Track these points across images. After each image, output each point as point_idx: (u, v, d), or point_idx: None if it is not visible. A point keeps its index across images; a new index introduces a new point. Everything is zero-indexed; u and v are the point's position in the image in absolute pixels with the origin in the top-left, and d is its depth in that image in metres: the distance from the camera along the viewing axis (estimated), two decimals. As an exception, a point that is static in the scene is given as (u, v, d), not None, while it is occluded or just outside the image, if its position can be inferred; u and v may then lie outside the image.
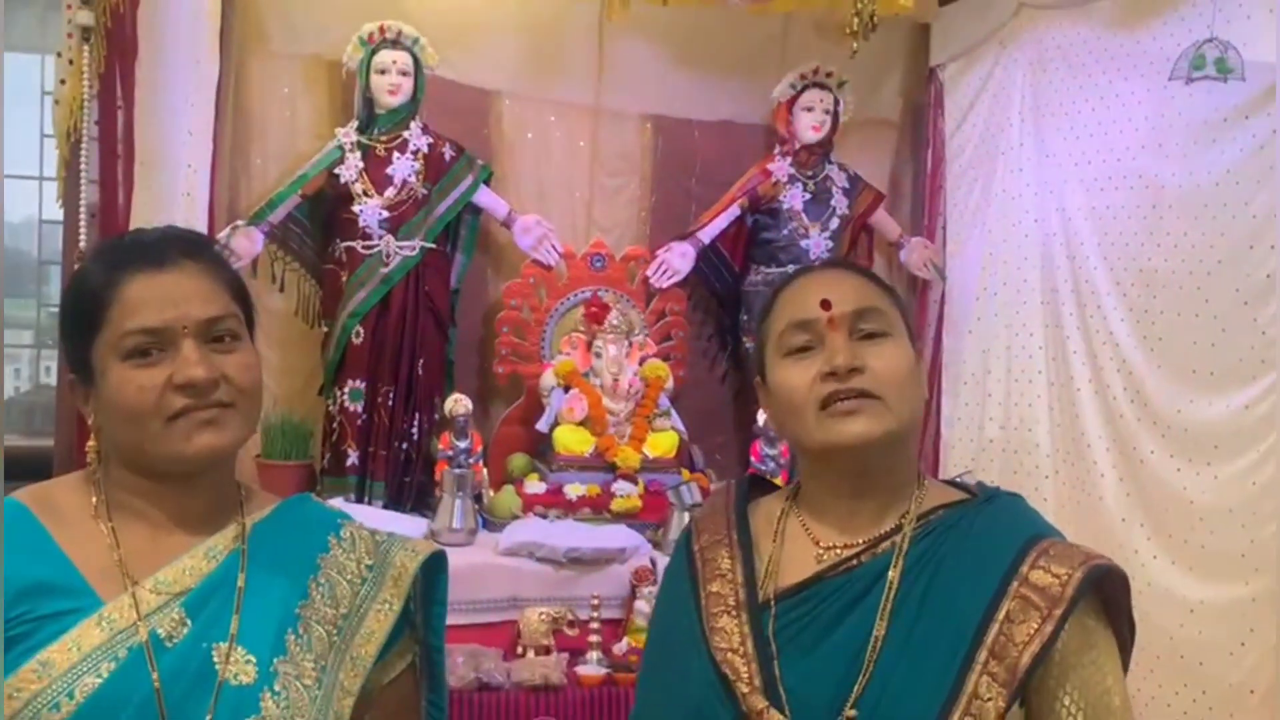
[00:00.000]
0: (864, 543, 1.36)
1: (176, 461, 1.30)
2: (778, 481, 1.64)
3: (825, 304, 1.34)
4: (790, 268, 4.36)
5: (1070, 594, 1.25)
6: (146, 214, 3.22)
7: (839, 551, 1.36)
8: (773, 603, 1.35)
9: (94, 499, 1.33)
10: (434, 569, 1.47)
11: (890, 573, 1.31)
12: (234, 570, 1.34)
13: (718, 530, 1.45)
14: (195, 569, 1.32)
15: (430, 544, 1.50)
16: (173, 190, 3.44)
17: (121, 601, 1.27)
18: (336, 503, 3.70)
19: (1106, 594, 1.30)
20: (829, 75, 4.45)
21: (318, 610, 1.35)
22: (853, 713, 1.25)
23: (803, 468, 1.44)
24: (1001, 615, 1.25)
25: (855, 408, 1.30)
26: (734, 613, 1.34)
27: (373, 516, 3.73)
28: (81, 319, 1.30)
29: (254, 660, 1.28)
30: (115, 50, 3.23)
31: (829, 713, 1.26)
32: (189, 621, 1.29)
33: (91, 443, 1.36)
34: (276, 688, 1.27)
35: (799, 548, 1.40)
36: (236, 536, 1.37)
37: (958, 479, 3.85)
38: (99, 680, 1.21)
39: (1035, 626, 1.23)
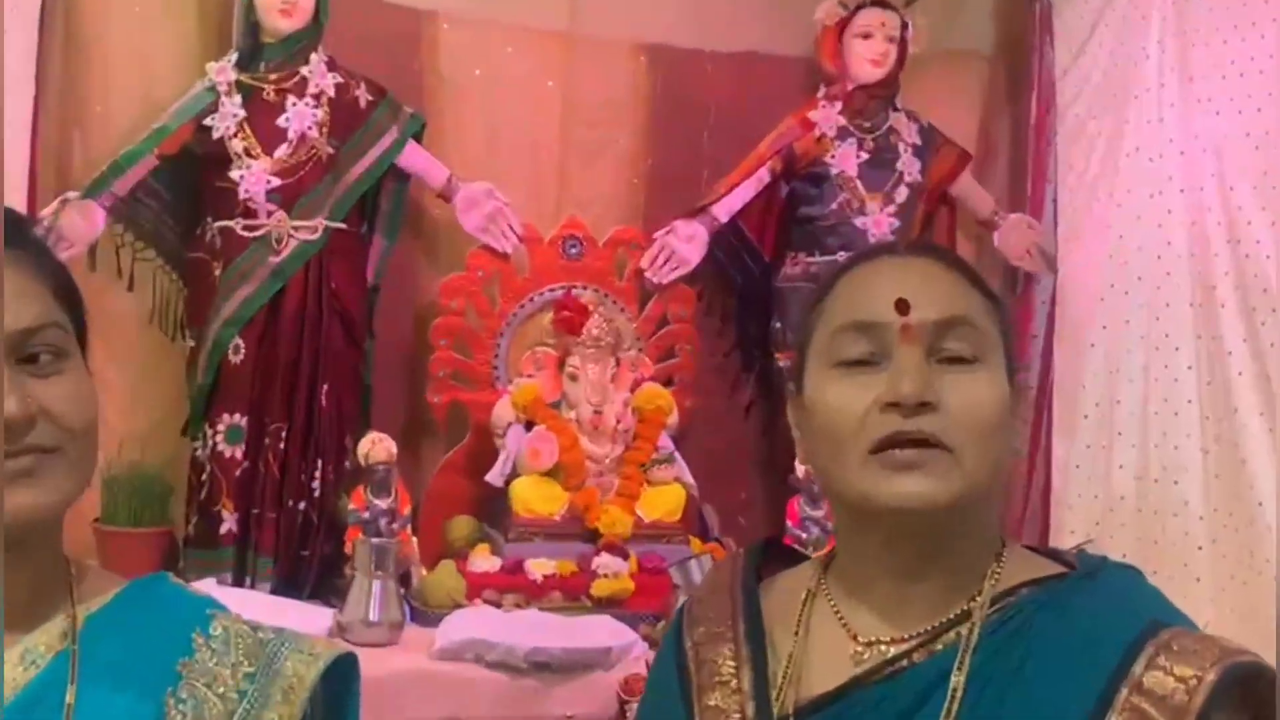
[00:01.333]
0: (918, 636, 1.35)
1: None
2: (810, 552, 1.64)
3: (902, 305, 1.32)
4: (841, 255, 4.33)
5: (1200, 705, 1.23)
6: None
7: (884, 649, 1.35)
8: None
9: None
10: (340, 679, 1.45)
11: (954, 677, 1.30)
12: (60, 680, 1.32)
13: (719, 619, 1.44)
14: (7, 679, 1.31)
15: (335, 644, 1.48)
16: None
17: None
18: (207, 585, 3.65)
19: (1251, 704, 1.27)
20: (894, -11, 4.48)
21: (180, 737, 1.34)
22: None
23: (840, 528, 1.44)
24: None
25: (916, 460, 1.29)
26: None
27: (257, 605, 3.68)
28: None
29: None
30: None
31: None
32: (-4, 757, 1.28)
33: None
34: None
35: (830, 643, 1.39)
36: (64, 634, 1.35)
37: (1073, 551, 3.85)
38: None
39: None
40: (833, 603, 1.41)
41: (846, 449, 1.32)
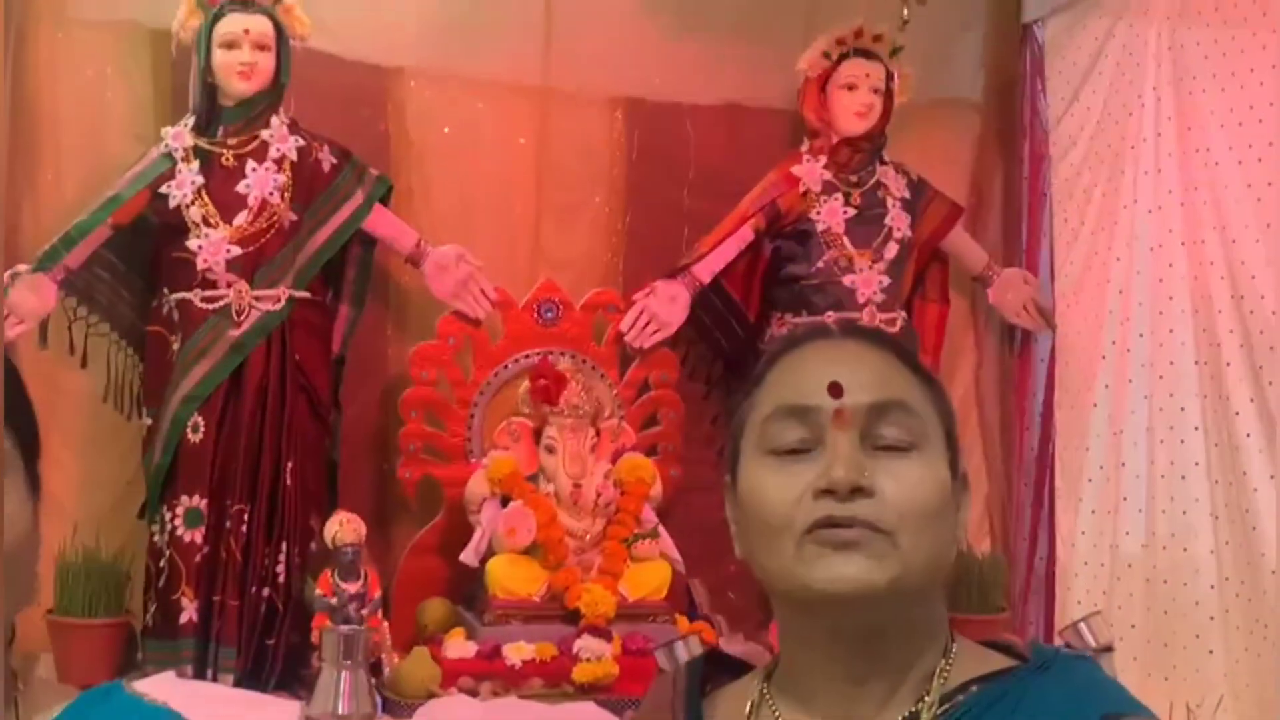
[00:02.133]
0: None
1: None
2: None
3: (835, 388, 1.31)
4: (830, 316, 4.35)
5: None
6: None
7: None
8: None
9: None
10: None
11: None
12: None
13: None
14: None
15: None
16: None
17: None
18: (167, 678, 3.68)
19: None
20: (878, 39, 4.45)
21: None
22: None
23: (781, 630, 1.41)
24: None
25: (852, 539, 1.27)
26: None
27: (220, 698, 3.69)
28: None
29: None
30: None
31: None
32: None
33: None
34: None
35: None
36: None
37: (1080, 623, 3.77)
38: None
39: None
40: (776, 712, 1.38)
41: (780, 536, 1.29)
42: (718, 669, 1.50)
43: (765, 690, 1.40)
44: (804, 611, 1.32)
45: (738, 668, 1.50)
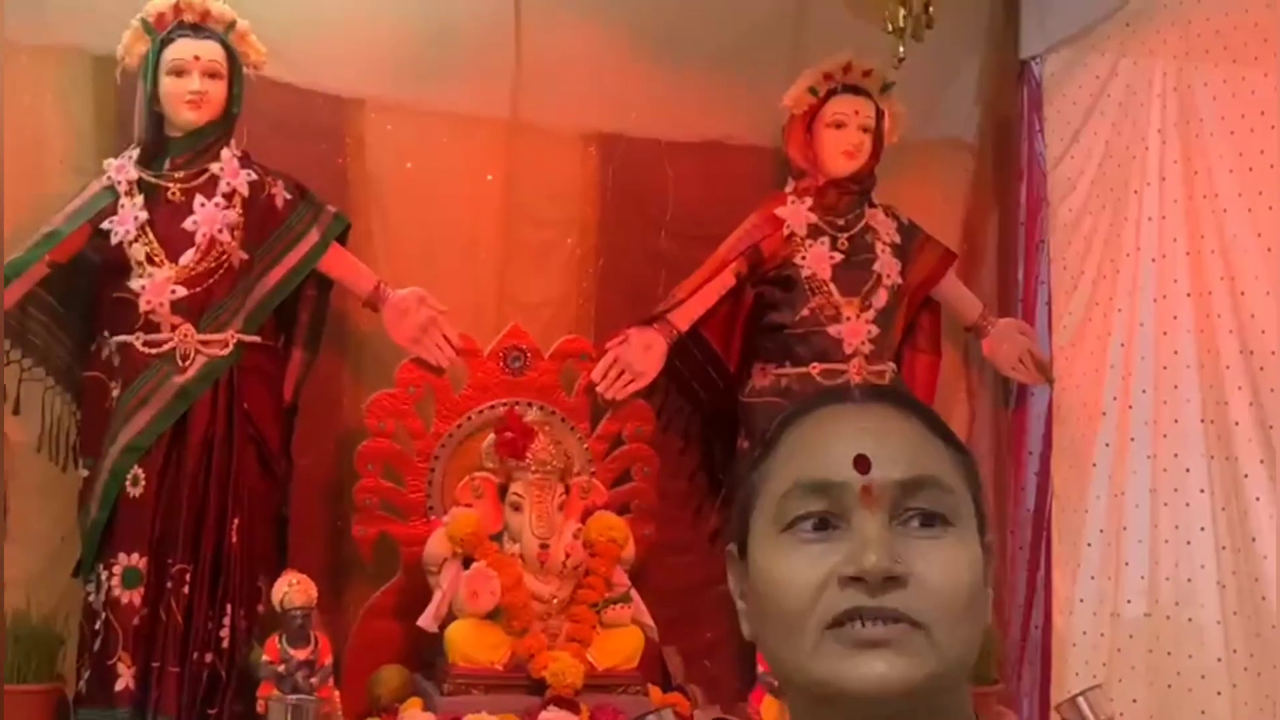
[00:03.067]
0: None
1: None
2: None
3: (862, 463, 1.25)
4: (815, 367, 4.35)
5: None
6: None
7: None
8: None
9: None
10: None
11: None
12: None
13: None
14: None
15: None
16: None
17: None
18: None
19: None
20: (867, 75, 4.44)
21: None
22: None
23: (793, 715, 1.34)
24: None
25: (884, 636, 1.21)
26: None
27: (156, 775, 3.64)
28: None
29: None
30: None
31: None
32: None
33: None
34: None
35: None
36: None
37: (1079, 697, 3.72)
38: None
39: None
40: None
41: (800, 628, 1.24)
42: None
43: None
44: (824, 708, 1.27)
45: None
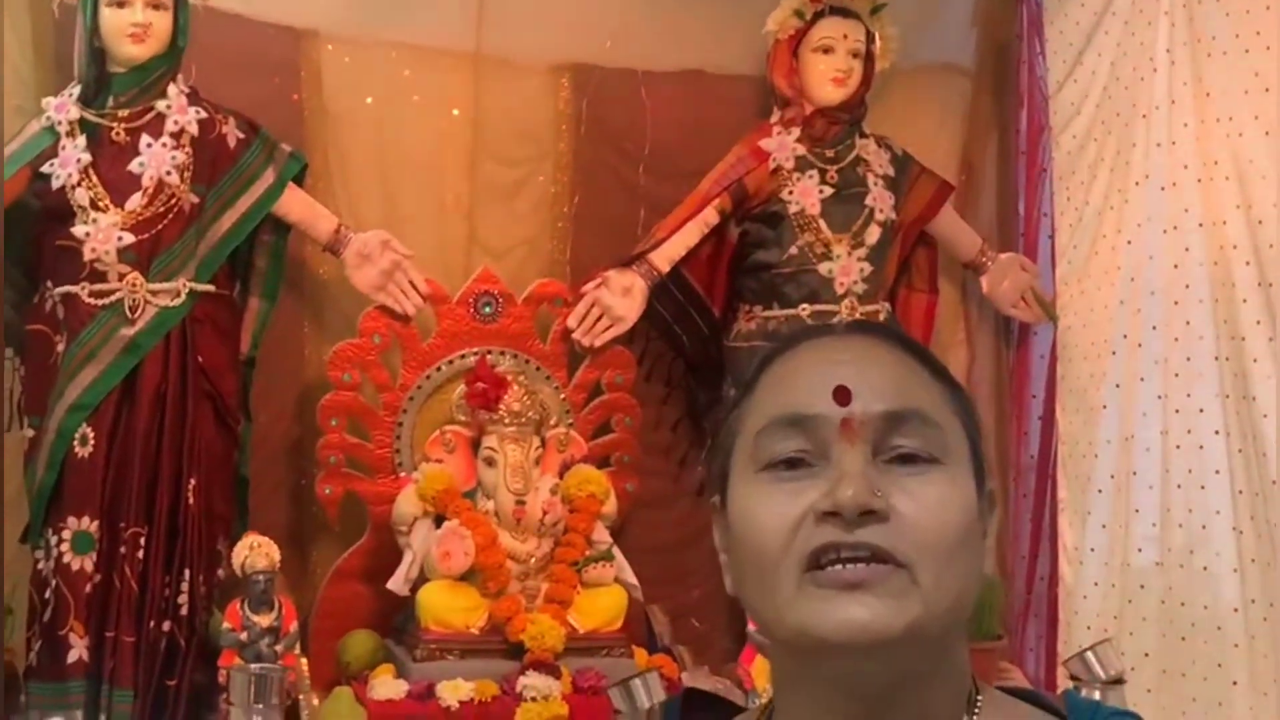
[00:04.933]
0: None
1: None
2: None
3: (842, 394, 1.25)
4: (804, 309, 4.35)
5: None
6: None
7: None
8: None
9: None
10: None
11: None
12: None
13: None
14: None
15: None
16: None
17: None
18: None
19: None
20: (856, -5, 4.45)
21: None
22: None
23: (776, 675, 1.37)
24: None
25: (862, 577, 1.21)
26: None
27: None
28: None
29: None
30: None
31: None
32: None
33: None
34: None
35: None
36: None
37: (1088, 651, 3.70)
38: None
39: None
40: None
41: (776, 570, 1.24)
42: (695, 709, 1.51)
43: None
44: (804, 660, 1.28)
45: (719, 708, 1.51)
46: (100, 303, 3.91)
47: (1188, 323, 4.12)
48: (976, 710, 1.30)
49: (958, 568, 1.24)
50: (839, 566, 1.21)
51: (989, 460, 1.35)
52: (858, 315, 4.32)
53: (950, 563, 1.24)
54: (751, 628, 4.02)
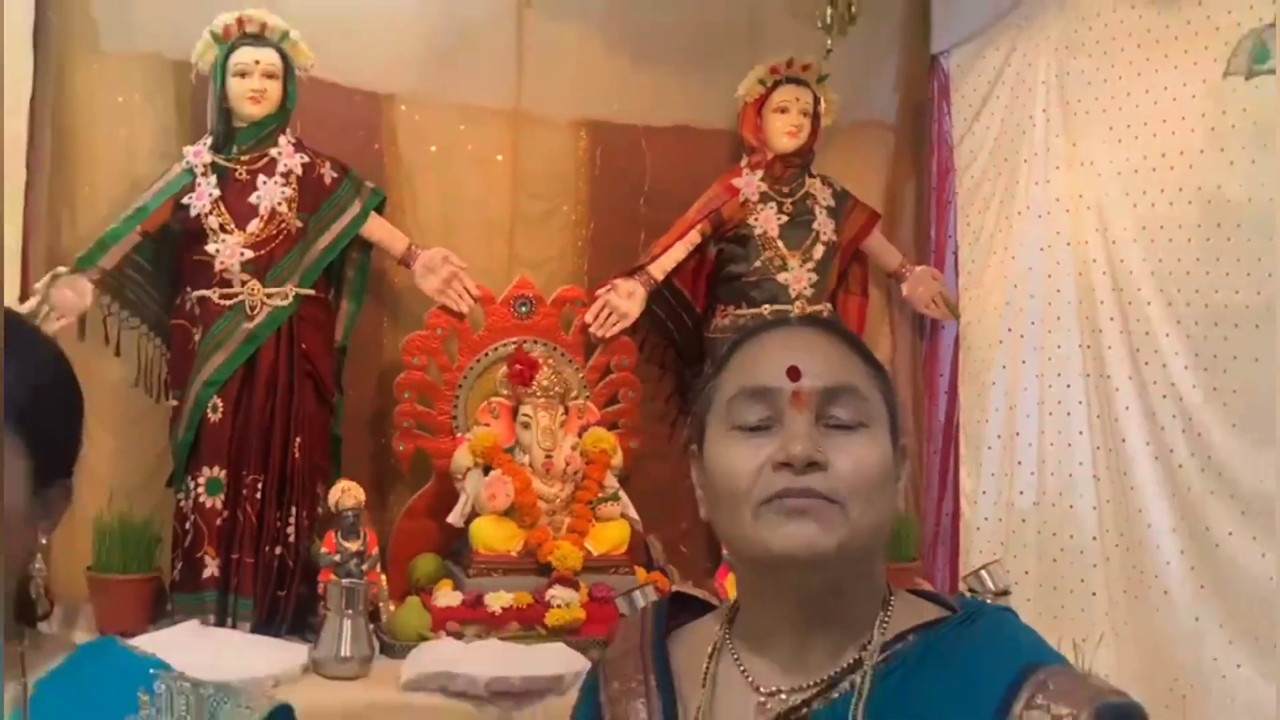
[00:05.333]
0: (816, 685, 1.32)
1: None
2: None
3: (793, 372, 1.31)
4: (766, 308, 4.36)
5: None
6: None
7: (785, 698, 1.32)
8: None
9: None
10: (279, 729, 1.38)
11: None
12: (13, 745, 1.25)
13: (631, 675, 1.41)
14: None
15: (270, 697, 1.42)
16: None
17: None
18: (189, 626, 3.67)
19: None
20: (806, 69, 4.44)
21: (125, 790, 1.26)
22: None
23: (740, 583, 1.42)
24: None
25: (806, 508, 1.26)
26: None
27: (238, 643, 3.66)
28: None
29: None
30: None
31: None
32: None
33: None
34: None
35: (734, 694, 1.36)
36: (16, 700, 1.29)
37: (981, 570, 3.75)
38: None
39: None
40: (736, 656, 1.38)
41: (742, 504, 1.29)
42: (680, 609, 1.50)
43: (726, 635, 1.40)
44: (761, 570, 1.32)
45: (698, 606, 1.51)
46: (227, 303, 3.91)
47: (1058, 318, 4.14)
48: (890, 607, 1.35)
49: (877, 504, 1.29)
50: (788, 500, 1.26)
51: (904, 425, 1.39)
52: (807, 312, 4.32)
53: (870, 501, 1.28)
54: (726, 552, 4.00)
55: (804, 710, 1.30)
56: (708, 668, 1.38)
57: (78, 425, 1.36)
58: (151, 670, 1.38)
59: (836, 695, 1.30)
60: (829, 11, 2.96)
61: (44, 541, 1.34)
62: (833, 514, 1.26)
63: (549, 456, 4.08)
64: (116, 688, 1.34)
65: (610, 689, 1.41)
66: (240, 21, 3.96)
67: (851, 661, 1.31)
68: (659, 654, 1.41)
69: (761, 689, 1.34)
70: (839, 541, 1.26)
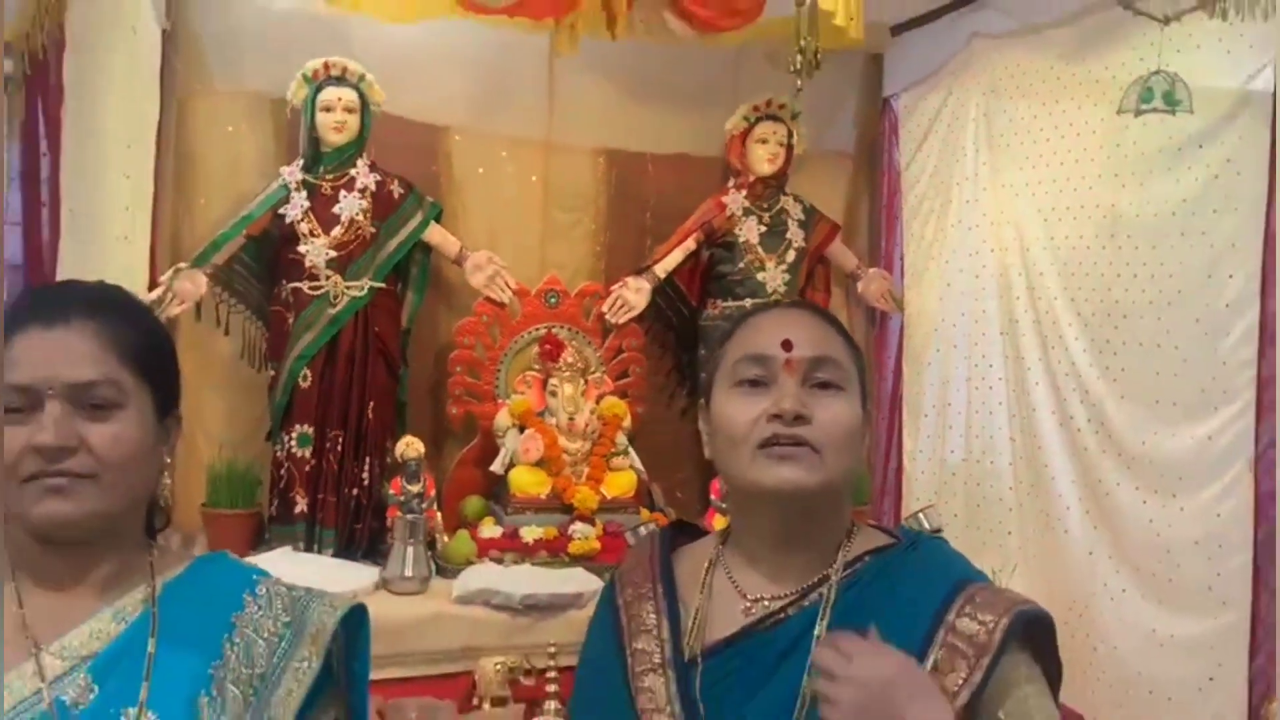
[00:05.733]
0: (792, 595, 1.35)
1: (29, 526, 1.25)
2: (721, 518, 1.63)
3: (787, 344, 1.32)
4: (748, 301, 4.34)
5: (997, 641, 1.24)
6: (74, 260, 3.18)
7: (767, 604, 1.35)
8: (699, 659, 1.34)
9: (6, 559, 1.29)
10: (355, 624, 1.41)
11: (818, 625, 1.30)
12: (143, 633, 1.29)
13: (642, 583, 1.43)
14: (102, 632, 1.28)
15: (349, 599, 1.45)
16: (105, 235, 3.38)
17: (24, 668, 1.23)
18: (283, 551, 3.69)
19: (1033, 639, 1.29)
20: (782, 107, 4.43)
21: (233, 670, 1.29)
22: None
23: (733, 509, 1.43)
24: (929, 665, 1.24)
25: (792, 454, 1.29)
26: (660, 671, 1.33)
27: (323, 565, 3.68)
28: None
29: (165, 725, 1.23)
30: (37, 97, 3.22)
31: None
32: (96, 687, 1.24)
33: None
34: (189, 752, 1.22)
35: (726, 600, 1.38)
36: (145, 599, 1.32)
37: (919, 512, 3.75)
38: None
39: (964, 676, 1.23)
40: (728, 570, 1.41)
41: (740, 447, 1.31)
42: (681, 534, 1.53)
43: (721, 553, 1.42)
44: (754, 501, 1.35)
45: (694, 531, 1.54)
46: (315, 294, 3.91)
47: (984, 311, 4.11)
48: (852, 536, 1.38)
49: (848, 453, 1.32)
50: (778, 447, 1.29)
51: (871, 393, 1.48)
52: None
53: (843, 450, 1.31)
54: (713, 497, 4.05)
55: (782, 615, 1.33)
56: (705, 578, 1.41)
57: (178, 370, 1.39)
58: (255, 577, 1.41)
59: (808, 603, 1.33)
60: (799, 59, 2.97)
61: (168, 460, 1.38)
62: (813, 460, 1.29)
63: (572, 419, 4.08)
64: (227, 590, 1.37)
65: (625, 594, 1.44)
66: (326, 66, 3.96)
67: (820, 577, 1.34)
68: (665, 567, 1.43)
69: (748, 596, 1.37)
70: (818, 481, 1.28)
